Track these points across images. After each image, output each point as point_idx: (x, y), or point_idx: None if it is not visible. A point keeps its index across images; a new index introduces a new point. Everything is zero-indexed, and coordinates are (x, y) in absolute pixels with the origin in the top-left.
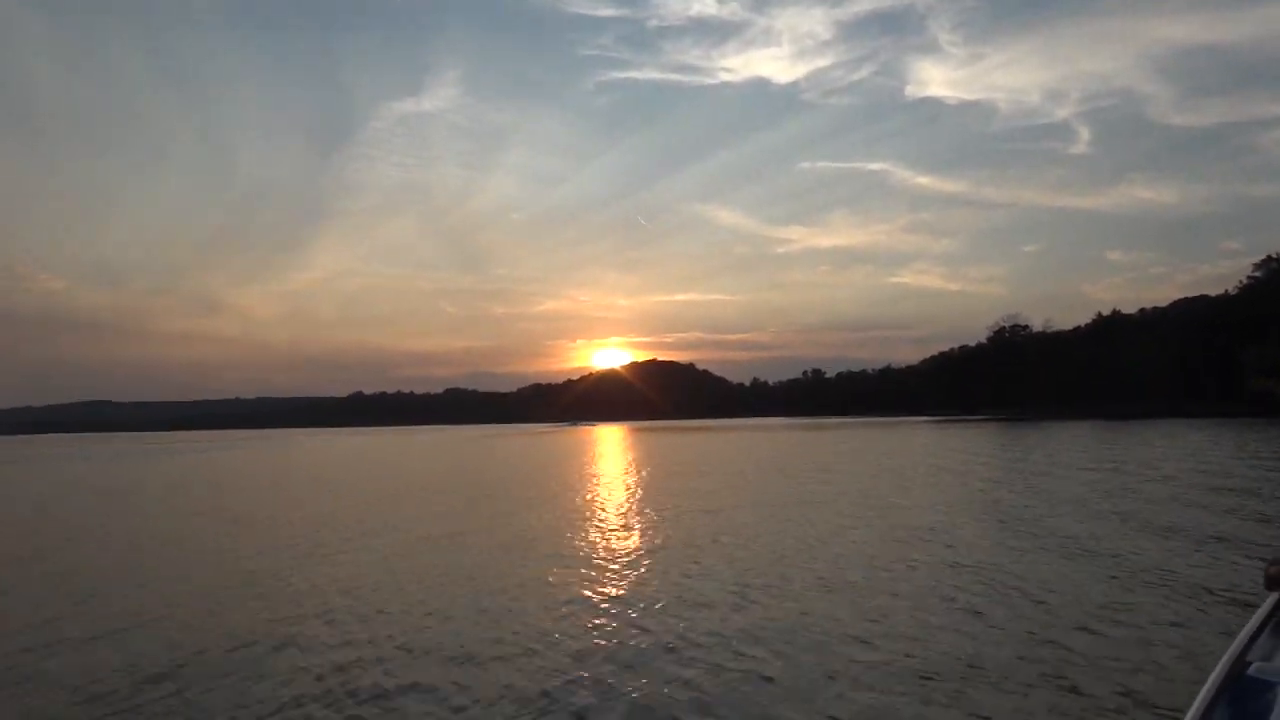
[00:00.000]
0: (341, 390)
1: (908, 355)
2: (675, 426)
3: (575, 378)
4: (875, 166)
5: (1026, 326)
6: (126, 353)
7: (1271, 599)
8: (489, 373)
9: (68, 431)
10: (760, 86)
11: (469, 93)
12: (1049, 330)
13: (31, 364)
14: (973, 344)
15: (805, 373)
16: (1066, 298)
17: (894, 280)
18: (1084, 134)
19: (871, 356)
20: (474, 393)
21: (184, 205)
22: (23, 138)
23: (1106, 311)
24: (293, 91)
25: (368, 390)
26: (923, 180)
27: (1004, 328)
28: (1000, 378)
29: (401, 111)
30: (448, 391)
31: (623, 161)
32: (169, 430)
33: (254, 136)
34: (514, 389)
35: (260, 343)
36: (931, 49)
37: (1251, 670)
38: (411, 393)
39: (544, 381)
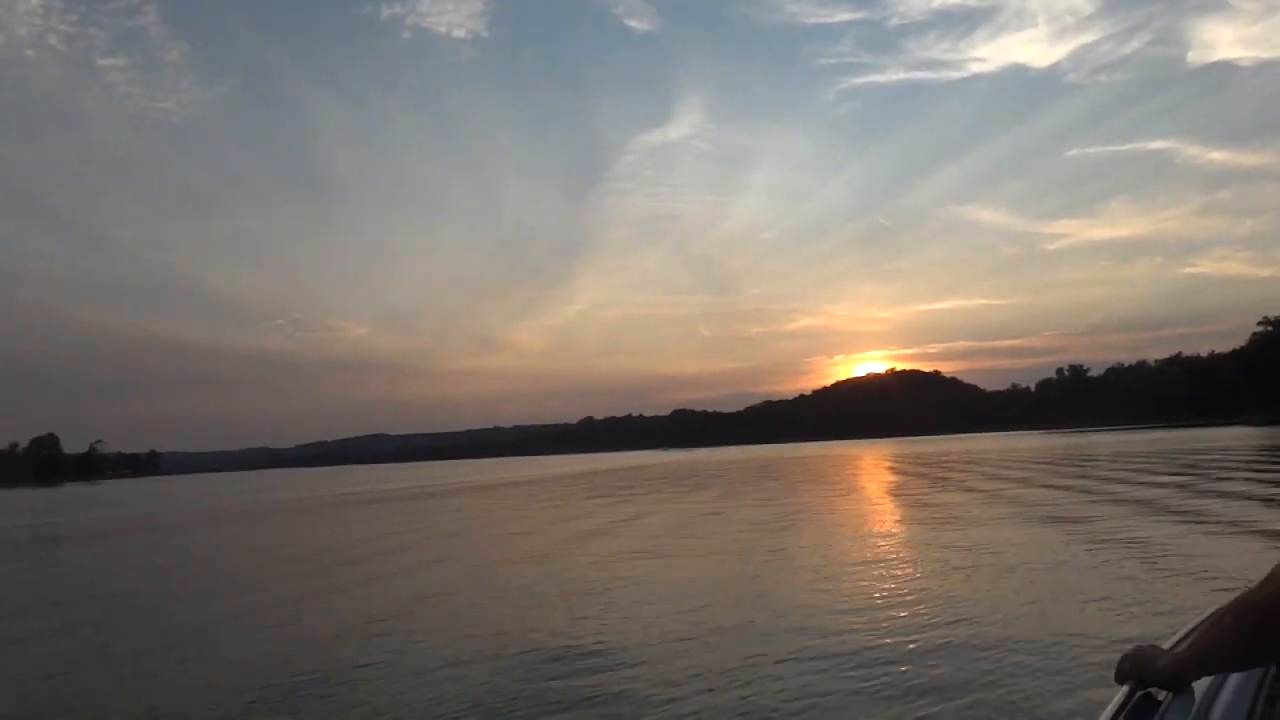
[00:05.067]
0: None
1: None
2: (871, 453)
3: (807, 393)
4: (1157, 146)
5: None
6: (416, 391)
7: (1122, 692)
8: (748, 393)
9: (349, 463)
10: (1016, 73)
11: (712, 118)
12: None
13: (333, 402)
14: None
15: (1061, 370)
16: None
17: (1188, 271)
18: None
19: (1166, 358)
20: (700, 414)
21: (459, 252)
22: (326, 206)
23: None
24: (548, 136)
25: (598, 416)
26: (1216, 156)
27: None
28: None
29: (649, 143)
30: (674, 414)
31: (871, 170)
32: (429, 460)
33: (516, 182)
34: (744, 408)
35: (531, 374)
36: (1216, 6)
37: None
38: (641, 415)
39: (785, 398)
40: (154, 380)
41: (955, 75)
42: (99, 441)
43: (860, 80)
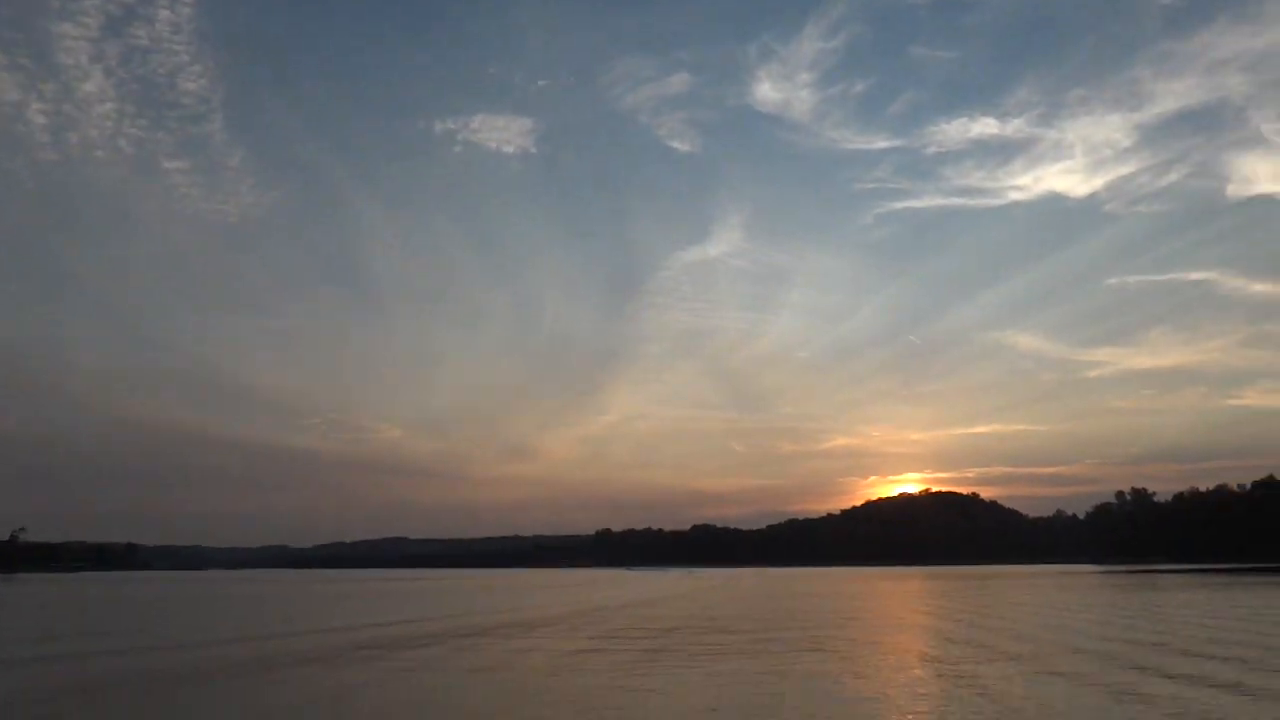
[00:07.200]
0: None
1: None
2: (898, 596)
3: (836, 513)
4: (1198, 276)
5: None
6: (443, 496)
7: None
8: (780, 511)
9: (364, 566)
10: (1054, 202)
11: (750, 237)
12: None
13: (358, 504)
14: None
15: (1121, 494)
16: None
17: (1233, 403)
18: None
19: (1260, 480)
20: (720, 530)
21: (497, 360)
22: (366, 311)
23: None
24: (589, 249)
25: (621, 528)
26: (1259, 288)
27: None
28: None
29: (688, 260)
30: (693, 529)
31: (908, 292)
32: (445, 567)
33: (556, 293)
34: (766, 526)
35: (560, 484)
36: (1255, 142)
37: None
38: (660, 530)
39: (807, 517)
40: (181, 473)
41: (993, 202)
42: (21, 529)
43: (898, 205)
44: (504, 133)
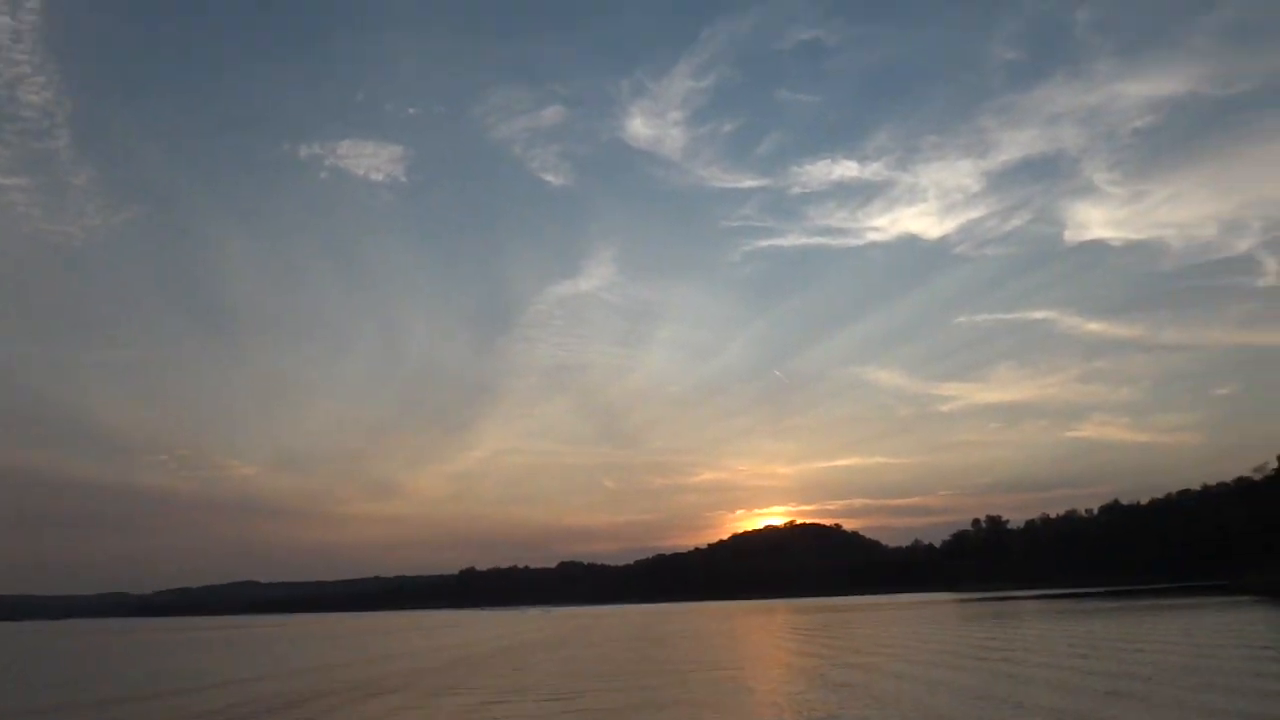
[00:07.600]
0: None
1: None
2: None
3: (703, 547)
4: (1039, 315)
5: None
6: (302, 536)
7: None
8: (650, 546)
9: (210, 614)
10: (909, 243)
11: (621, 272)
12: None
13: (208, 545)
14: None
15: (977, 522)
16: (1274, 442)
17: (1072, 434)
18: (1272, 265)
19: (1105, 505)
20: (587, 566)
21: (363, 394)
22: (223, 341)
23: None
24: (460, 282)
25: (488, 566)
26: (1093, 326)
27: None
28: None
29: (559, 294)
30: (560, 566)
31: (773, 329)
32: (299, 612)
33: (425, 326)
34: (634, 561)
35: (428, 522)
36: (1088, 191)
37: None
38: (527, 567)
39: (675, 551)
40: (10, 515)
41: (853, 242)
42: None
43: (764, 243)
44: (372, 160)
